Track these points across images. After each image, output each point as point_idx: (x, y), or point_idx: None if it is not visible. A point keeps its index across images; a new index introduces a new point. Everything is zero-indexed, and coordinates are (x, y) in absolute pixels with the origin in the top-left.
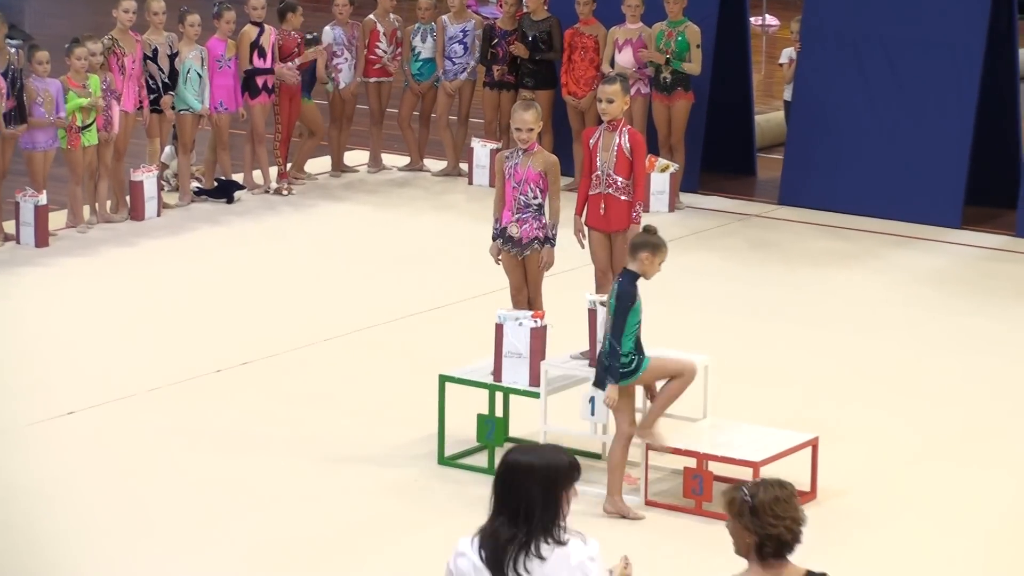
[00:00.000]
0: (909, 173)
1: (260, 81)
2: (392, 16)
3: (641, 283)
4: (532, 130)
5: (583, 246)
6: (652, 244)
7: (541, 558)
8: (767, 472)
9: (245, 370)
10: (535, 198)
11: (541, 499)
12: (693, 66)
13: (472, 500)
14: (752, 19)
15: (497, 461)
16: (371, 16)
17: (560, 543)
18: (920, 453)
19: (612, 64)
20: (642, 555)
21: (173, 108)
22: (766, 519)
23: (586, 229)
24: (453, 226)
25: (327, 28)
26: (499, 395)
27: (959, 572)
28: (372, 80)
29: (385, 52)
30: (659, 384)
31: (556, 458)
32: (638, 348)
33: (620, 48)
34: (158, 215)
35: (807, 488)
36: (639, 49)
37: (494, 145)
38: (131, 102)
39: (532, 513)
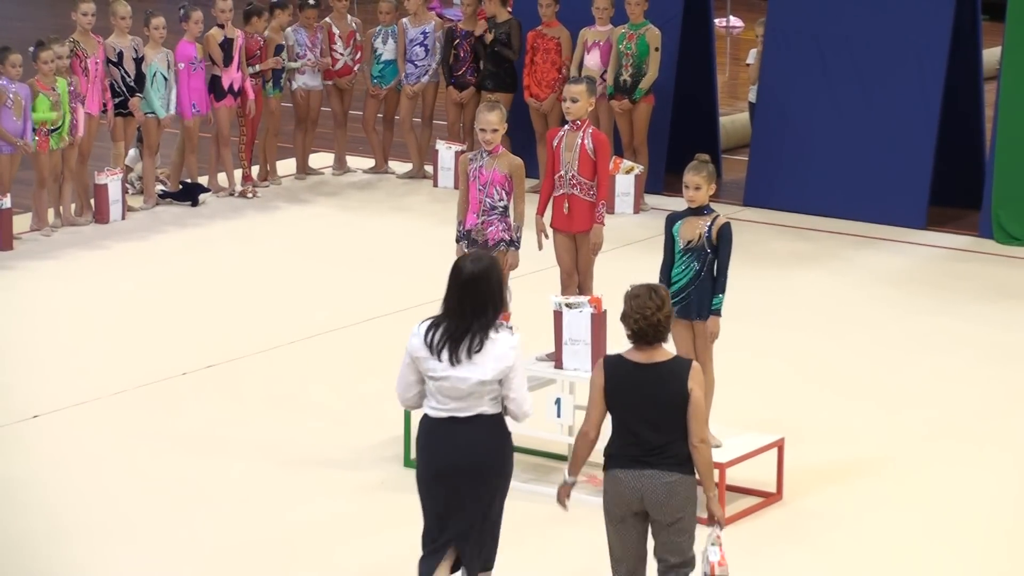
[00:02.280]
0: (874, 174)
1: (226, 84)
2: (350, 18)
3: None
4: (496, 131)
5: (541, 247)
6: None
7: (483, 346)
8: (734, 475)
9: (210, 373)
10: (501, 200)
11: (494, 298)
12: (650, 74)
13: None
14: (716, 21)
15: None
16: (327, 19)
17: (496, 332)
18: (886, 453)
19: (581, 65)
20: (604, 555)
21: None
22: (626, 312)
23: (550, 230)
24: (418, 228)
25: (289, 30)
26: None
27: (925, 571)
28: (332, 82)
29: (343, 55)
30: None
31: (496, 261)
32: (682, 289)
33: (589, 50)
34: (123, 218)
35: (773, 489)
36: (606, 59)
37: (459, 147)
38: (95, 105)
39: (486, 310)
